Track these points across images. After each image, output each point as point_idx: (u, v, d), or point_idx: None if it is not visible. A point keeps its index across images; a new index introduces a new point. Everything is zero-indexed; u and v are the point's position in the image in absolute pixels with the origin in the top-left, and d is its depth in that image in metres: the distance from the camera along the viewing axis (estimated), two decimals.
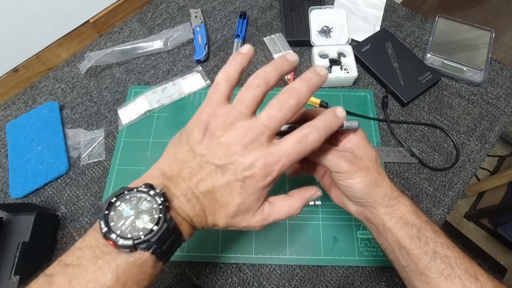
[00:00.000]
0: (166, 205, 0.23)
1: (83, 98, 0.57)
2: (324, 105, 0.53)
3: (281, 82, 0.57)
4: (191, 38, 0.62)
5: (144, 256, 0.22)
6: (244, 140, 0.24)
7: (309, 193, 0.30)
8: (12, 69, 0.57)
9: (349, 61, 0.56)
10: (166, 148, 0.27)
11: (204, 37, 0.61)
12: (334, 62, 0.56)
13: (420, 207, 0.32)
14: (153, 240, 0.21)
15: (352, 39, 0.61)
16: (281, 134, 0.28)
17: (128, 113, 0.54)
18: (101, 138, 0.53)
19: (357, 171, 0.29)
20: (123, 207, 0.22)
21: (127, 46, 0.59)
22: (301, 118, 0.31)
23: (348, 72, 0.55)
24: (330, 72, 0.55)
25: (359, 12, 0.64)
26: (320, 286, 0.43)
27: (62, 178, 0.50)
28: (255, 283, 0.43)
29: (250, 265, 0.44)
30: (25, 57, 0.57)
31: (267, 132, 0.24)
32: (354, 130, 0.31)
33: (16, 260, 0.41)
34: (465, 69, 0.56)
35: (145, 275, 0.22)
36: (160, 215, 0.22)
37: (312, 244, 0.45)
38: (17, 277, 0.38)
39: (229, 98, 0.27)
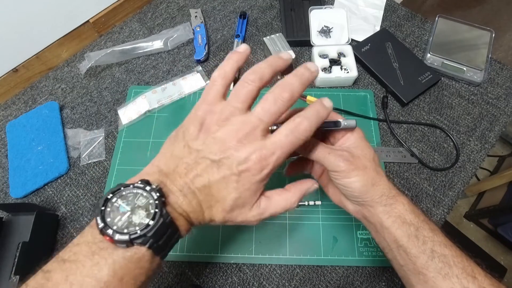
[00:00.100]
0: (162, 201, 0.23)
1: (83, 98, 0.57)
2: None
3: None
4: (191, 38, 0.62)
5: (140, 251, 0.22)
6: (239, 134, 0.24)
7: (306, 186, 0.30)
8: (12, 69, 0.57)
9: (349, 61, 0.56)
10: (163, 145, 0.28)
11: (204, 37, 0.61)
12: (334, 62, 0.56)
13: (418, 206, 0.32)
14: (149, 234, 0.22)
15: (352, 39, 0.61)
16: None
17: (128, 113, 0.54)
18: (101, 138, 0.53)
19: (355, 170, 0.29)
20: (120, 203, 0.23)
21: (127, 46, 0.59)
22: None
23: (348, 72, 0.55)
24: (330, 72, 0.55)
25: (359, 12, 0.64)
26: (320, 286, 0.43)
27: (62, 178, 0.50)
28: (255, 283, 0.43)
29: (250, 265, 0.44)
30: (25, 57, 0.57)
31: (262, 126, 0.25)
32: (351, 129, 0.31)
33: (16, 260, 0.41)
34: (465, 69, 0.56)
35: (142, 270, 0.22)
36: (156, 210, 0.22)
37: (312, 244, 0.45)
38: (17, 277, 0.38)
39: (225, 95, 0.27)
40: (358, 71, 0.55)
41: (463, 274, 0.27)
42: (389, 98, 0.55)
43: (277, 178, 0.33)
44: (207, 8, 0.67)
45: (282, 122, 0.26)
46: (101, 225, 0.21)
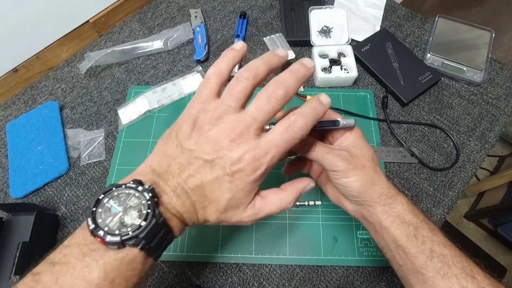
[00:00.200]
0: (155, 201, 0.23)
1: (83, 98, 0.57)
2: None
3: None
4: (191, 38, 0.62)
5: (133, 253, 0.22)
6: (232, 133, 0.24)
7: (302, 184, 0.30)
8: (12, 69, 0.57)
9: (349, 61, 0.56)
10: (157, 144, 0.27)
11: (204, 37, 0.61)
12: (334, 62, 0.56)
13: (417, 206, 0.31)
14: (141, 236, 0.21)
15: (352, 39, 0.61)
16: None
17: (128, 113, 0.54)
18: (101, 138, 0.53)
19: (353, 169, 0.29)
20: (111, 204, 0.22)
21: (127, 46, 0.59)
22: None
23: (348, 72, 0.55)
24: (330, 72, 0.55)
25: (359, 12, 0.64)
26: (320, 286, 0.43)
27: (62, 178, 0.50)
28: (255, 283, 0.43)
29: (250, 265, 0.44)
30: (25, 57, 0.57)
31: (255, 125, 0.24)
32: (350, 128, 0.31)
33: (16, 260, 0.41)
34: (465, 69, 0.56)
35: (134, 271, 0.22)
36: (149, 210, 0.22)
37: (312, 244, 0.45)
38: (17, 277, 0.39)
39: (219, 93, 0.26)
40: (358, 71, 0.55)
41: (462, 274, 0.26)
42: (389, 98, 0.55)
43: (275, 177, 0.33)
44: (207, 8, 0.67)
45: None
46: (92, 226, 0.21)
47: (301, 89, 0.56)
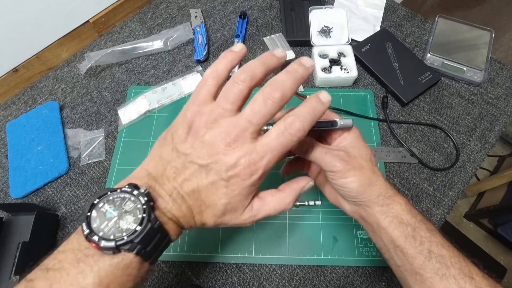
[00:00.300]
0: (151, 205, 0.22)
1: (83, 98, 0.57)
2: None
3: None
4: (191, 38, 0.62)
5: (128, 258, 0.21)
6: (227, 138, 0.23)
7: (301, 184, 0.29)
8: (12, 69, 0.57)
9: (349, 61, 0.56)
10: (153, 147, 0.27)
11: (204, 37, 0.61)
12: (334, 62, 0.56)
13: (415, 206, 0.31)
14: (136, 240, 0.21)
15: (352, 39, 0.61)
16: None
17: (128, 113, 0.54)
18: (101, 138, 0.53)
19: (351, 170, 0.29)
20: (106, 208, 0.22)
21: (127, 46, 0.59)
22: None
23: (348, 72, 0.55)
24: (330, 72, 0.55)
25: (359, 12, 0.64)
26: (320, 286, 0.43)
27: (62, 178, 0.50)
28: (255, 283, 0.43)
29: (250, 265, 0.44)
30: (25, 57, 0.57)
31: (251, 128, 0.24)
32: (348, 128, 0.31)
33: (16, 260, 0.41)
34: (465, 69, 0.56)
35: (130, 276, 0.22)
36: (144, 215, 0.21)
37: (312, 244, 0.45)
38: (17, 277, 0.38)
39: (216, 94, 0.26)
40: (358, 71, 0.55)
41: (460, 274, 0.26)
42: (389, 98, 0.55)
43: (274, 178, 0.33)
44: (207, 8, 0.67)
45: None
46: (86, 231, 0.21)
47: (301, 88, 0.56)
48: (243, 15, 0.63)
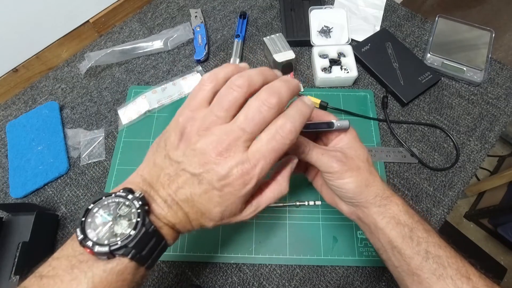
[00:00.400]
0: (145, 209, 0.22)
1: (83, 98, 0.57)
2: (324, 105, 0.53)
3: None
4: (191, 38, 0.62)
5: (123, 263, 0.21)
6: (219, 146, 0.22)
7: (289, 167, 0.29)
8: (12, 69, 0.57)
9: (349, 61, 0.56)
10: (148, 152, 0.27)
11: (204, 37, 0.61)
12: (334, 62, 0.56)
13: (413, 207, 0.32)
14: (130, 245, 0.21)
15: (352, 39, 0.61)
16: None
17: (128, 113, 0.54)
18: (101, 138, 0.53)
19: (348, 171, 0.29)
20: (101, 213, 0.22)
21: (127, 46, 0.59)
22: None
23: (348, 72, 0.55)
24: (330, 72, 0.55)
25: (359, 12, 0.64)
26: (320, 286, 0.43)
27: (62, 178, 0.50)
28: (255, 283, 0.43)
29: (250, 265, 0.44)
30: (25, 57, 0.57)
31: (244, 137, 0.23)
32: (345, 129, 0.31)
33: (16, 260, 0.41)
34: (465, 69, 0.56)
35: (125, 282, 0.22)
36: (138, 219, 0.21)
37: (312, 244, 0.45)
38: (17, 277, 0.38)
39: (211, 100, 0.25)
40: (358, 71, 0.55)
41: (457, 275, 0.26)
42: (389, 98, 0.55)
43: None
44: (207, 8, 0.67)
45: None
46: (80, 237, 0.21)
47: (301, 88, 0.56)
48: (243, 15, 0.63)
